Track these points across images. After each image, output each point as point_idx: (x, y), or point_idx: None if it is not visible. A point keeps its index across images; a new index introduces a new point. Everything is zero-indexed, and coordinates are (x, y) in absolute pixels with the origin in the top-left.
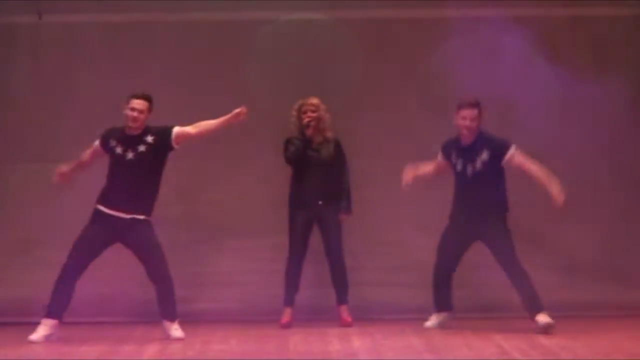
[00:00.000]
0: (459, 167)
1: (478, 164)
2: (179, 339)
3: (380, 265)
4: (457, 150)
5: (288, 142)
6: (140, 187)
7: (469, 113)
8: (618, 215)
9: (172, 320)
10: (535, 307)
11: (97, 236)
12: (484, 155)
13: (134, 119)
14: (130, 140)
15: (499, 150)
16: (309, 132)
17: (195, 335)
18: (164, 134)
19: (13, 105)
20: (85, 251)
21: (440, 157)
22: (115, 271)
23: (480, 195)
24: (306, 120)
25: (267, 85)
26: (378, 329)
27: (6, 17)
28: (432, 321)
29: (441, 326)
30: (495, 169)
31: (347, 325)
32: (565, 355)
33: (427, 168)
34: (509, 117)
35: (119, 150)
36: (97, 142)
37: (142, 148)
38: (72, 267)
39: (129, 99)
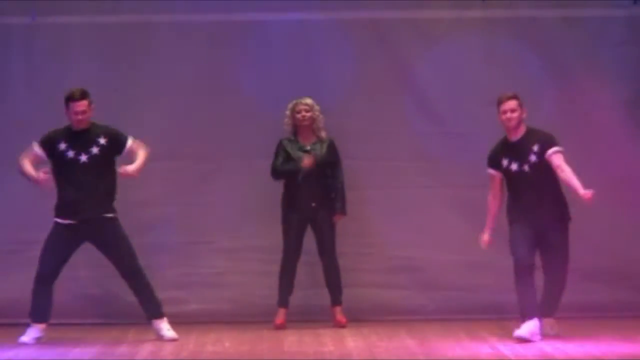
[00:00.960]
0: (514, 167)
1: (532, 158)
2: (172, 340)
3: (374, 266)
4: (506, 151)
5: (279, 148)
6: (98, 187)
7: (508, 105)
8: (615, 217)
9: (160, 317)
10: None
11: (62, 246)
12: (536, 147)
13: (79, 122)
14: (81, 141)
15: (546, 142)
16: (306, 169)
17: (189, 337)
18: (117, 141)
19: (7, 106)
20: (53, 260)
21: (491, 172)
22: (107, 272)
23: (541, 191)
24: (306, 162)
25: (261, 85)
26: (372, 330)
27: (0, 18)
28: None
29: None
30: (548, 166)
31: (341, 326)
32: (559, 356)
33: (493, 207)
34: None
35: (70, 154)
36: (36, 149)
37: (95, 150)
38: (44, 275)
39: (68, 103)
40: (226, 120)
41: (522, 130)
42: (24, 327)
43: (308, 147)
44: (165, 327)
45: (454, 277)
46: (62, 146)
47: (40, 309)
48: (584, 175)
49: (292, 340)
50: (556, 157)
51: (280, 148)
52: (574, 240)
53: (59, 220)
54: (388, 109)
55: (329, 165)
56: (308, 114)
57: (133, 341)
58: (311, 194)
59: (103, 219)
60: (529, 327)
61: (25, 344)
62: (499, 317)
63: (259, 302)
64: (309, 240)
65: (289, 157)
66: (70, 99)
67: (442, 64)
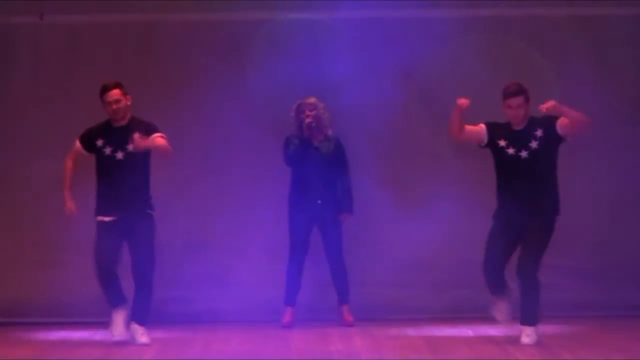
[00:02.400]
0: (510, 151)
1: (534, 144)
2: (144, 345)
3: (381, 264)
4: (507, 134)
5: (288, 141)
6: (134, 183)
7: (514, 102)
8: (617, 217)
9: (141, 324)
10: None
11: (109, 244)
12: (539, 132)
13: (115, 112)
14: (119, 136)
15: (549, 120)
16: (309, 132)
17: (196, 336)
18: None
19: (13, 106)
20: (104, 259)
21: (481, 127)
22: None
23: (535, 179)
24: (307, 120)
25: (267, 84)
26: (380, 329)
27: (7, 18)
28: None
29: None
30: (550, 152)
31: (349, 325)
32: (566, 355)
33: (462, 122)
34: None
35: (107, 151)
36: (77, 145)
37: (131, 147)
38: (101, 276)
39: (102, 95)
40: (232, 116)
41: (526, 121)
42: (28, 326)
43: (316, 144)
44: (140, 332)
45: (462, 276)
46: (100, 142)
47: (116, 295)
48: (588, 173)
49: (299, 339)
50: (561, 121)
51: (289, 141)
52: (575, 238)
53: (99, 218)
54: (395, 108)
55: (336, 164)
56: (312, 113)
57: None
58: (317, 192)
59: (140, 215)
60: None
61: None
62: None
63: (266, 301)
64: (316, 239)
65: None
66: (103, 91)
67: (449, 63)
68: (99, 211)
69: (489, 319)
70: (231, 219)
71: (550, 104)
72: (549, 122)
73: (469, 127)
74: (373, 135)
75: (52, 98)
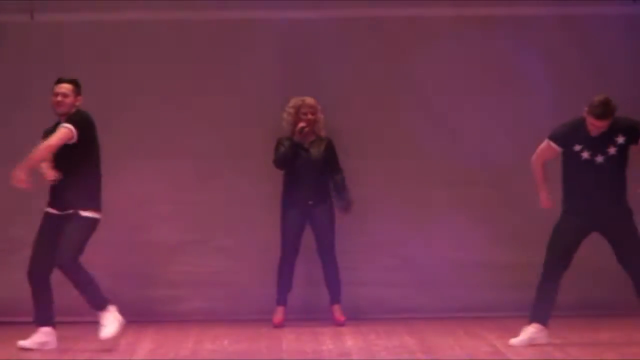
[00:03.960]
0: (585, 155)
1: (612, 150)
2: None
3: (373, 264)
4: (584, 139)
5: (279, 143)
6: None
7: (601, 124)
8: None
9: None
10: None
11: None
12: (620, 139)
13: (57, 104)
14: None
15: (634, 132)
16: (301, 137)
17: (187, 335)
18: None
19: (2, 105)
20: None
21: (552, 145)
22: (104, 269)
23: (611, 186)
24: (301, 125)
25: (260, 84)
26: (371, 329)
27: None
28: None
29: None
30: (626, 157)
31: (340, 324)
32: (559, 355)
33: (540, 171)
34: (501, 117)
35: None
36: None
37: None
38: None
39: (54, 84)
40: (224, 118)
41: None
42: (19, 325)
43: (307, 146)
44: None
45: (453, 275)
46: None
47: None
48: None
49: (291, 338)
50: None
51: (279, 143)
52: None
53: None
54: (387, 108)
55: (327, 164)
56: (312, 117)
57: (132, 339)
58: (308, 191)
59: (71, 215)
60: (525, 333)
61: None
62: (498, 315)
63: (257, 301)
64: (308, 238)
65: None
66: (56, 81)
67: (442, 62)
68: (48, 203)
69: (482, 319)
70: (222, 217)
71: None
72: (633, 134)
73: (545, 157)
74: (365, 135)
75: (42, 97)
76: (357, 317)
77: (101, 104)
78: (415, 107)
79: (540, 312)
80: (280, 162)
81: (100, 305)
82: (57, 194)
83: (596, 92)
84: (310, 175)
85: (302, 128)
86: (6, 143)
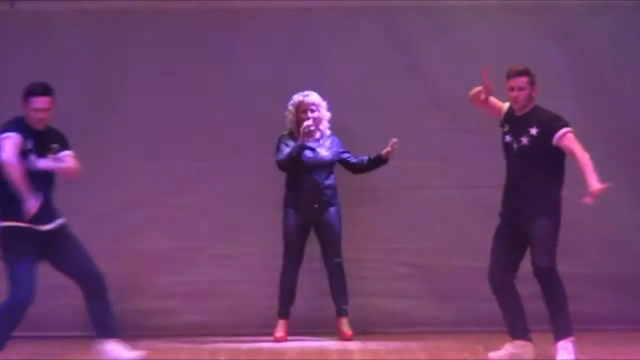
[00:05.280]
0: (508, 139)
1: (524, 140)
2: None
3: (382, 274)
4: (509, 118)
5: (280, 142)
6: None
7: (516, 82)
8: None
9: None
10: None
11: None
12: (533, 131)
13: (40, 120)
14: (42, 142)
15: (548, 127)
16: (305, 137)
17: (182, 351)
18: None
19: None
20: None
21: (504, 105)
22: None
23: (524, 177)
24: (305, 124)
25: (260, 78)
26: (381, 344)
27: None
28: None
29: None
30: (546, 152)
31: (348, 339)
32: None
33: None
34: None
35: (33, 155)
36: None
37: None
38: None
39: (29, 97)
40: (223, 115)
41: (528, 107)
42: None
43: (312, 145)
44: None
45: (470, 285)
46: (29, 143)
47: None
48: (606, 171)
49: (294, 354)
50: (566, 140)
51: (282, 142)
52: (600, 246)
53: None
54: (397, 104)
55: (334, 164)
56: (314, 115)
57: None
58: (314, 194)
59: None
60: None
61: None
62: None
63: (257, 313)
64: (313, 245)
65: None
66: (31, 93)
67: (457, 54)
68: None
69: (503, 333)
70: (220, 223)
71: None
72: (546, 130)
73: (494, 99)
74: (374, 133)
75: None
76: (366, 331)
77: (85, 98)
78: (430, 103)
79: (513, 328)
80: (285, 163)
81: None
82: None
83: (624, 84)
84: (315, 176)
85: (307, 128)
86: None
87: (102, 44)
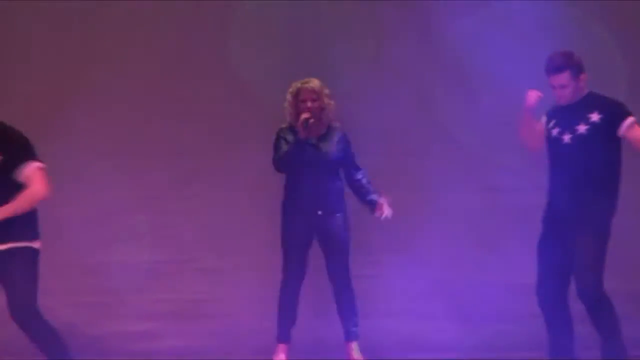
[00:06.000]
0: (555, 132)
1: (581, 128)
2: None
3: (399, 290)
4: (556, 112)
5: (279, 137)
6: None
7: (556, 80)
8: None
9: None
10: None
11: None
12: (594, 117)
13: None
14: None
15: (614, 114)
16: (304, 132)
17: None
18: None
19: None
20: None
21: (543, 118)
22: (61, 299)
23: (577, 177)
24: (304, 117)
25: (257, 67)
26: None
27: None
28: None
29: None
30: (605, 144)
31: None
32: None
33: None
34: None
35: None
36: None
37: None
38: None
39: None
40: (212, 109)
41: (580, 95)
42: None
43: (313, 142)
44: None
45: (501, 304)
46: None
47: None
48: None
49: None
50: (635, 131)
51: (280, 137)
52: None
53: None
54: (413, 94)
55: (341, 163)
56: (315, 104)
57: None
58: (317, 198)
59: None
60: None
61: None
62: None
63: (252, 337)
64: (317, 254)
65: None
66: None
67: (483, 37)
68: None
69: None
70: (206, 235)
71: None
72: (613, 116)
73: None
74: (386, 128)
75: None
76: (379, 356)
77: (61, 96)
78: (451, 95)
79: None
80: (282, 162)
81: None
82: None
83: None
84: (319, 177)
85: (306, 120)
86: None
87: (69, 35)
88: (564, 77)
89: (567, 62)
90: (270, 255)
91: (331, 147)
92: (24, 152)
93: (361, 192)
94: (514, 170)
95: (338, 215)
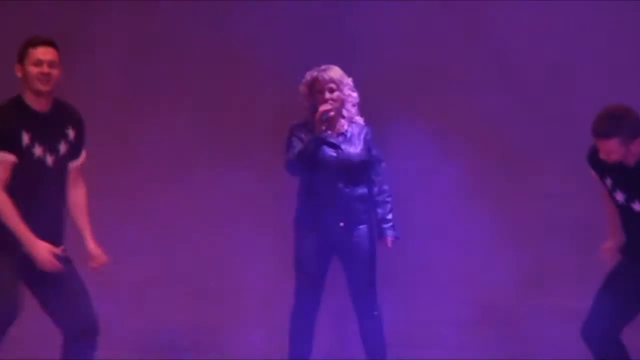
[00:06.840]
0: (620, 197)
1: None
2: None
3: (434, 316)
4: (604, 165)
5: (292, 134)
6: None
7: (603, 146)
8: None
9: None
10: None
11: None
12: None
13: (47, 78)
14: (47, 128)
15: None
16: (322, 127)
17: None
18: (81, 140)
19: None
20: None
21: (593, 173)
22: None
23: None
24: (322, 109)
25: (265, 53)
26: None
27: None
28: None
29: None
30: None
31: None
32: None
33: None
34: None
35: (38, 151)
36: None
37: (62, 148)
38: None
39: (28, 49)
40: (208, 102)
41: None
42: None
43: (334, 140)
44: None
45: (557, 329)
46: (26, 136)
47: None
48: None
49: None
50: None
51: (293, 135)
52: None
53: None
54: (443, 85)
55: (365, 167)
56: (333, 95)
57: None
58: (338, 208)
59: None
60: None
61: None
62: None
63: None
64: (335, 269)
65: None
66: (32, 43)
67: (530, 20)
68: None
69: None
70: (208, 249)
71: None
72: None
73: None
74: (411, 124)
75: None
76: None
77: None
78: (488, 87)
79: None
80: (296, 164)
81: None
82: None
83: None
84: (340, 182)
85: (325, 113)
86: None
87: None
88: (611, 144)
89: (615, 127)
90: (281, 275)
91: (355, 146)
92: (85, 138)
93: (375, 205)
94: (570, 180)
95: (362, 227)
